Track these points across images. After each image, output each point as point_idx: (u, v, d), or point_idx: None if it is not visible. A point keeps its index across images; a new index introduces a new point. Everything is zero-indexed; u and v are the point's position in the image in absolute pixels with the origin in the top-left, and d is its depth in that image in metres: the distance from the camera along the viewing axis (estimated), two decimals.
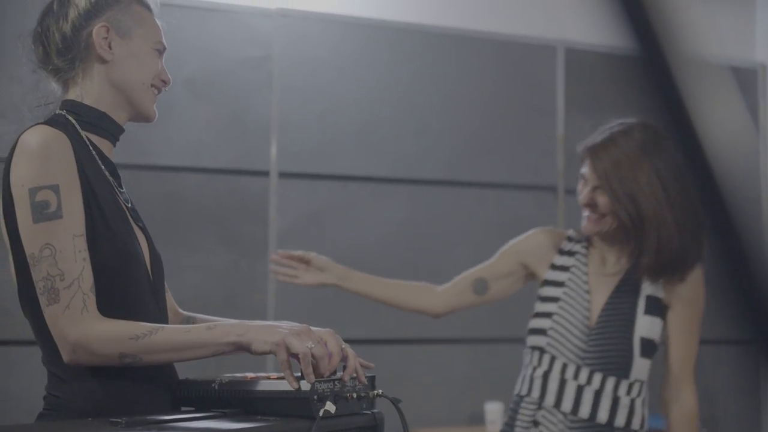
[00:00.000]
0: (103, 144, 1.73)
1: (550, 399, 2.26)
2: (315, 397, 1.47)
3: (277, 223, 4.20)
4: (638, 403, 2.28)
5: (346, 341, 1.59)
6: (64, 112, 1.70)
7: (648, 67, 0.54)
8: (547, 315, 2.32)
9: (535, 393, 2.29)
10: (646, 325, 2.28)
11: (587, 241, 2.39)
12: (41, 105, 1.77)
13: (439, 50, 4.60)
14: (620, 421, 2.25)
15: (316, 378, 1.49)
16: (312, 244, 3.79)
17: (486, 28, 4.72)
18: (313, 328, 1.56)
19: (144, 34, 1.76)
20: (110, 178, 1.71)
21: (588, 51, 4.93)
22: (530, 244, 2.46)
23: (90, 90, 1.72)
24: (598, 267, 2.37)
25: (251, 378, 1.58)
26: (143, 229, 1.77)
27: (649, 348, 2.28)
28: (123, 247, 1.64)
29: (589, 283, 2.33)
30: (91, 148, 1.69)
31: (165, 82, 1.81)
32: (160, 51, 1.79)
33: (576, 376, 2.25)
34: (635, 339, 2.25)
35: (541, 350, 2.30)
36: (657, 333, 2.30)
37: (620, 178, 2.21)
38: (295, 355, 1.50)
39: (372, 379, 1.60)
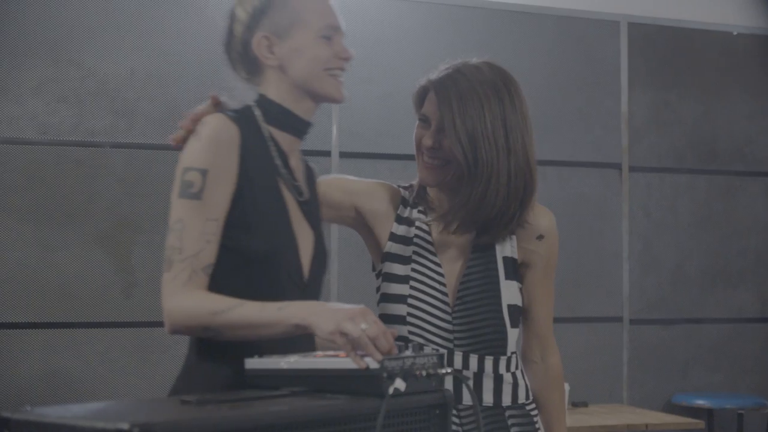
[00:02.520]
0: (284, 138, 1.82)
1: None
2: (384, 374, 1.46)
3: None
4: (519, 375, 2.07)
5: None
6: (253, 105, 1.82)
7: None
8: (401, 299, 2.02)
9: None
10: (510, 291, 2.04)
11: (424, 198, 2.10)
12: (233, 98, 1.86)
13: (500, 27, 4.55)
14: (506, 399, 2.03)
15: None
16: None
17: (547, 4, 4.65)
18: (345, 305, 1.55)
19: (304, 26, 1.79)
20: (283, 171, 1.79)
21: (651, 25, 4.84)
22: (372, 193, 2.09)
23: (272, 90, 1.82)
24: (442, 233, 2.06)
25: (319, 356, 1.57)
26: (313, 225, 1.85)
27: (516, 316, 2.05)
28: (272, 239, 1.72)
29: (437, 253, 2.06)
30: (270, 141, 1.79)
31: (345, 60, 1.85)
32: (328, 35, 1.82)
33: (450, 363, 1.99)
34: (504, 308, 2.02)
35: (404, 341, 1.99)
36: (519, 298, 2.07)
37: (465, 115, 1.95)
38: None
39: (441, 357, 1.57)
